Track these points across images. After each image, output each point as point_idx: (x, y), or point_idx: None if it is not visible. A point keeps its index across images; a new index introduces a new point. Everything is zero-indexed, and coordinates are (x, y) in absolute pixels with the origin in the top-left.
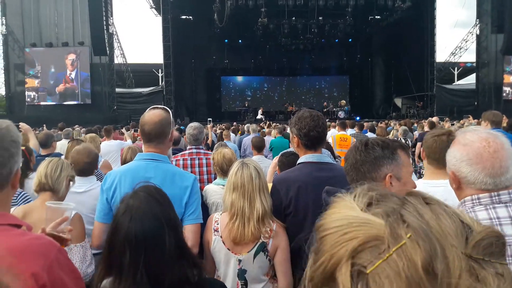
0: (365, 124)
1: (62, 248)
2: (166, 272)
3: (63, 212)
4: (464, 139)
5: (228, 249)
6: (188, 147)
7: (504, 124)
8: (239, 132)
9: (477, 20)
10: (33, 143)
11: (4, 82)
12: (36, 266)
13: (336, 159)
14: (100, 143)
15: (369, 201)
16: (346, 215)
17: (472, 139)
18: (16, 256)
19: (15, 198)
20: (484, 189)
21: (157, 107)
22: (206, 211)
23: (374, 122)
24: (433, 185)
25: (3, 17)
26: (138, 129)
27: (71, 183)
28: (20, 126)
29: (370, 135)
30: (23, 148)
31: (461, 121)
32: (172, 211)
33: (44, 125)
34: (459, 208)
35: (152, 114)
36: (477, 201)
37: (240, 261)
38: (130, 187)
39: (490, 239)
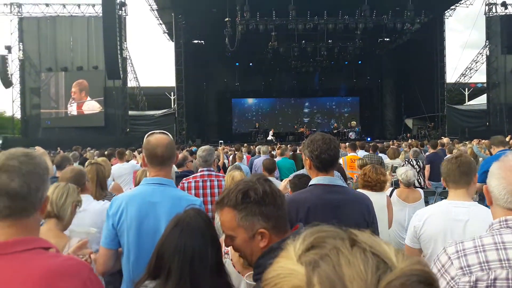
0: (378, 145)
1: (92, 268)
2: (205, 284)
3: (86, 236)
4: (507, 156)
5: (238, 272)
6: (199, 169)
7: None
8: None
9: (487, 41)
10: (48, 166)
11: (20, 106)
12: (74, 284)
13: (348, 181)
14: (111, 166)
15: (305, 248)
16: (279, 266)
17: (510, 158)
18: (54, 277)
19: None
20: (506, 207)
21: (155, 133)
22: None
23: (385, 143)
24: (456, 205)
25: (21, 43)
26: (144, 153)
27: (77, 208)
28: (36, 150)
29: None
30: None
31: (474, 141)
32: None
33: (59, 148)
34: (487, 231)
35: (159, 138)
36: (504, 223)
37: (250, 284)
38: (137, 212)
39: (403, 278)
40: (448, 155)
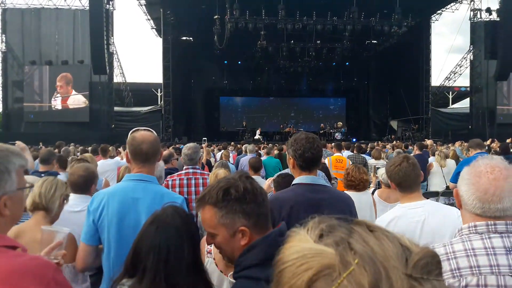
0: (363, 146)
1: (58, 268)
2: (182, 281)
3: (58, 236)
4: (477, 161)
5: (221, 271)
6: (184, 167)
7: (497, 148)
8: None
9: (471, 46)
10: (28, 161)
11: (1, 99)
12: (36, 285)
13: (332, 181)
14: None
15: (320, 233)
16: (301, 248)
17: (481, 163)
18: (16, 277)
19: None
20: (473, 212)
21: (140, 129)
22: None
23: (370, 144)
24: (411, 207)
25: (3, 34)
26: (128, 149)
27: (65, 202)
28: (16, 144)
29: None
30: None
31: (456, 143)
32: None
33: (41, 142)
34: (456, 235)
35: (144, 134)
36: (473, 229)
37: (232, 282)
38: (118, 208)
39: (427, 258)
40: (394, 158)
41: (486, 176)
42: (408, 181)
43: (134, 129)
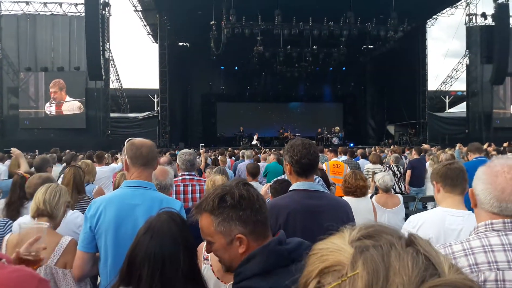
0: (354, 150)
1: (43, 279)
2: None
3: (37, 232)
4: (493, 162)
5: (217, 278)
6: (180, 174)
7: (493, 152)
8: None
9: (467, 50)
10: (23, 168)
11: None
12: None
13: (331, 186)
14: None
15: (360, 236)
16: (330, 241)
17: (497, 163)
18: None
19: (2, 228)
20: (490, 211)
21: (135, 139)
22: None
23: (367, 148)
24: (451, 214)
25: None
26: (127, 155)
27: (68, 208)
28: (11, 151)
29: (362, 162)
30: (23, 172)
31: (457, 146)
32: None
33: (37, 150)
34: (472, 233)
35: (142, 140)
36: (490, 226)
37: None
38: (115, 214)
39: (449, 287)
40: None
41: (503, 176)
42: (456, 180)
43: (129, 139)
